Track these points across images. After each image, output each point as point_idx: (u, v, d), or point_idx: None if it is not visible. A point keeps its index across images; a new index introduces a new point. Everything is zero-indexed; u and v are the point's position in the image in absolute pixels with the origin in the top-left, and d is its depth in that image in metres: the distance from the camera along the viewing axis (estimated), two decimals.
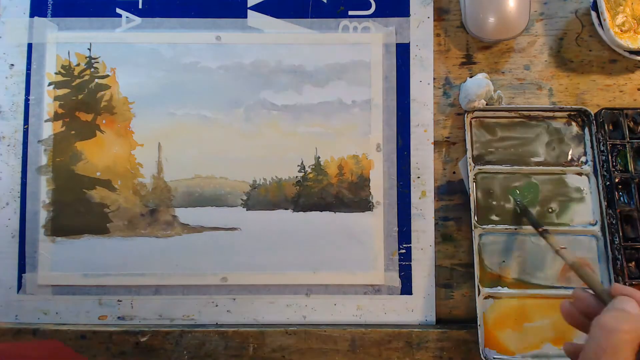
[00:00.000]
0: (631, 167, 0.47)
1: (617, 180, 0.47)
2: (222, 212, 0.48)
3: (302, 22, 0.50)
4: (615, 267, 0.45)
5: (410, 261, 0.48)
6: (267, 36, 0.49)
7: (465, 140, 0.48)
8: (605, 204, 0.47)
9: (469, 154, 0.47)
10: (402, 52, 0.49)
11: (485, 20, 0.47)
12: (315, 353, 0.46)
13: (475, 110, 0.48)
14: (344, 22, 0.50)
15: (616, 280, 0.45)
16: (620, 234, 0.46)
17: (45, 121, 0.48)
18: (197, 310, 0.47)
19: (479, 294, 0.45)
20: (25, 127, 0.48)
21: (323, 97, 0.49)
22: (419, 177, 0.48)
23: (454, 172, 0.49)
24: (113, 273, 0.47)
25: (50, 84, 0.49)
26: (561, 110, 0.48)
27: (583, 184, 0.48)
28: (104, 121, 0.49)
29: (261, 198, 0.48)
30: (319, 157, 0.49)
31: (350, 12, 0.50)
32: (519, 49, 0.50)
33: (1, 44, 0.49)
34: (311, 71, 0.49)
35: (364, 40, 0.49)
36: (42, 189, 0.48)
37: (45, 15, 0.49)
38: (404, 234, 0.48)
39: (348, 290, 0.48)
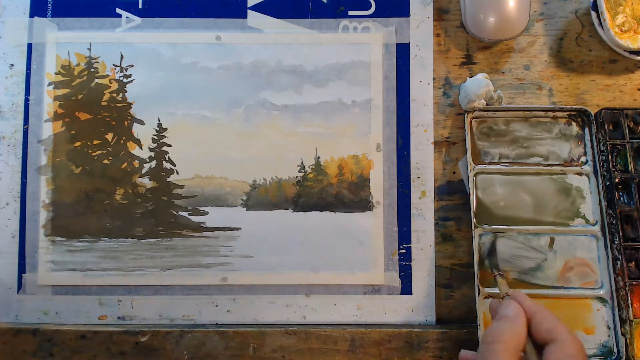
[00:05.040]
0: (631, 167, 0.47)
1: (617, 180, 0.47)
2: (222, 212, 0.48)
3: (302, 22, 0.50)
4: (615, 267, 0.45)
5: (410, 261, 0.48)
6: (267, 36, 0.49)
7: (465, 140, 0.48)
8: (605, 204, 0.47)
9: (469, 154, 0.48)
10: (402, 52, 0.49)
11: (485, 20, 0.47)
12: (315, 353, 0.46)
13: (475, 110, 0.48)
14: (344, 22, 0.50)
15: (616, 280, 0.45)
16: (620, 234, 0.46)
17: (45, 121, 0.48)
18: (197, 310, 0.47)
19: (479, 294, 0.45)
20: (25, 127, 0.48)
21: (323, 97, 0.49)
22: (419, 177, 0.48)
23: (454, 172, 0.49)
24: (113, 273, 0.47)
25: (50, 84, 0.49)
26: (561, 110, 0.48)
27: (583, 184, 0.48)
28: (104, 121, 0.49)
29: (261, 198, 0.48)
30: (319, 157, 0.49)
31: (350, 12, 0.50)
32: (519, 49, 0.50)
33: (1, 44, 0.49)
34: (311, 71, 0.49)
35: (364, 40, 0.49)
36: (42, 189, 0.48)
37: (45, 15, 0.49)
38: (404, 234, 0.48)
39: (348, 290, 0.48)
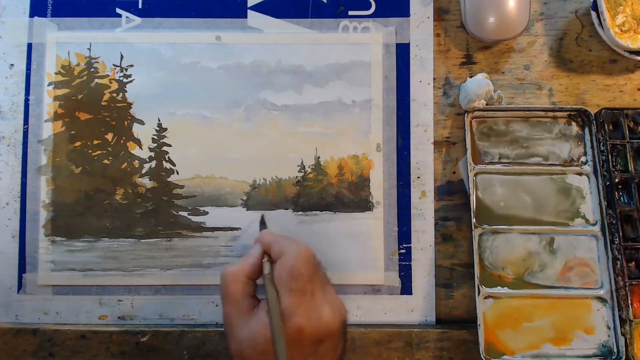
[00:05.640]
0: (631, 167, 0.47)
1: (617, 180, 0.47)
2: (222, 212, 0.48)
3: (302, 22, 0.50)
4: (615, 267, 0.45)
5: (410, 261, 0.48)
6: (267, 36, 0.49)
7: (465, 140, 0.48)
8: (605, 204, 0.47)
9: (469, 154, 0.48)
10: (402, 52, 0.49)
11: (485, 20, 0.47)
12: None
13: (475, 110, 0.48)
14: (344, 22, 0.50)
15: (616, 280, 0.45)
16: (620, 234, 0.46)
17: (45, 121, 0.48)
18: (197, 310, 0.47)
19: (479, 294, 0.45)
20: (25, 127, 0.48)
21: (323, 97, 0.49)
22: (419, 177, 0.48)
23: (454, 172, 0.49)
24: (113, 273, 0.47)
25: (50, 84, 0.49)
26: (561, 110, 0.48)
27: (583, 184, 0.48)
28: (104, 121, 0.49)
29: (261, 198, 0.48)
30: (319, 157, 0.49)
31: (350, 12, 0.50)
32: (519, 49, 0.50)
33: (1, 44, 0.49)
34: (311, 71, 0.49)
35: (364, 40, 0.49)
36: (42, 189, 0.48)
37: (45, 15, 0.49)
38: (404, 234, 0.48)
39: (348, 290, 0.48)
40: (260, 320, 0.37)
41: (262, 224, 0.47)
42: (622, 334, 0.44)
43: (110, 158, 0.48)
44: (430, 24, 0.50)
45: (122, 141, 0.49)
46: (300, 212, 0.48)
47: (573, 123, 0.49)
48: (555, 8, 0.50)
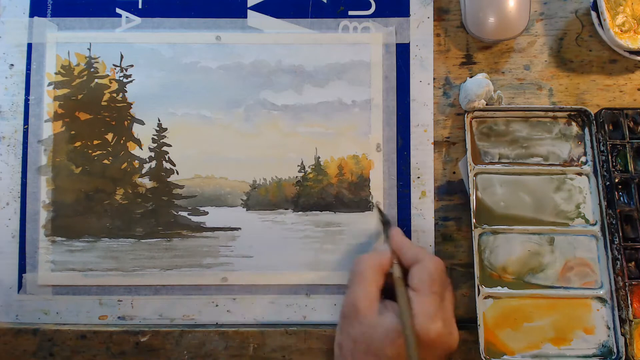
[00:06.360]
0: (631, 167, 0.47)
1: (617, 180, 0.47)
2: (222, 212, 0.48)
3: (302, 22, 0.50)
4: (615, 267, 0.45)
5: None
6: (267, 36, 0.49)
7: (465, 140, 0.48)
8: (605, 204, 0.47)
9: (469, 154, 0.48)
10: (402, 52, 0.49)
11: (485, 20, 0.47)
12: (315, 353, 0.46)
13: (475, 110, 0.48)
14: (344, 22, 0.50)
15: (616, 280, 0.45)
16: (620, 234, 0.46)
17: (45, 121, 0.48)
18: (197, 310, 0.47)
19: (479, 294, 0.45)
20: (25, 127, 0.48)
21: (323, 97, 0.49)
22: (419, 177, 0.48)
23: (454, 172, 0.49)
24: (113, 273, 0.47)
25: (50, 84, 0.49)
26: (561, 110, 0.48)
27: (583, 184, 0.48)
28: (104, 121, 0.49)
29: (261, 198, 0.48)
30: (319, 157, 0.49)
31: (350, 12, 0.50)
32: (519, 49, 0.50)
33: (1, 44, 0.49)
34: (311, 71, 0.49)
35: (364, 40, 0.49)
36: (42, 189, 0.48)
37: (45, 15, 0.49)
38: (404, 234, 0.48)
39: None
40: (392, 321, 0.36)
41: (386, 222, 0.46)
42: (622, 334, 0.44)
43: (110, 158, 0.48)
44: (430, 24, 0.50)
45: (122, 141, 0.49)
46: (300, 212, 0.48)
47: (573, 123, 0.49)
48: (555, 8, 0.50)
